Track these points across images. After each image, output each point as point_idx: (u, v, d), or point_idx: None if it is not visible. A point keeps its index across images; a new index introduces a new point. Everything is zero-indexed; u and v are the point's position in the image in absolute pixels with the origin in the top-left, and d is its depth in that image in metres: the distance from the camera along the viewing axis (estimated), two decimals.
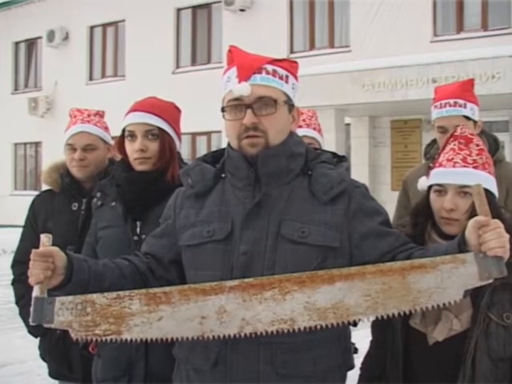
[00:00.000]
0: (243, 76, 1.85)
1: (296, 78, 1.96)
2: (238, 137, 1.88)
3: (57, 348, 2.95)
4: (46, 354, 3.06)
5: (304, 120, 3.20)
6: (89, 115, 3.00)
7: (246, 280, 1.71)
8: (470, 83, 3.10)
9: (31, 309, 1.72)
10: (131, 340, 1.73)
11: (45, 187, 3.16)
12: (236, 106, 1.87)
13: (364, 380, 2.25)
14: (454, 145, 2.06)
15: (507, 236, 1.64)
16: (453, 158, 2.03)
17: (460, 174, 2.00)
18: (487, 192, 1.92)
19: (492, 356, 1.96)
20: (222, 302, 1.69)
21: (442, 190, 2.04)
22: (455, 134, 2.08)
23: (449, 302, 1.65)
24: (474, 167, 2.00)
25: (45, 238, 1.78)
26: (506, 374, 1.99)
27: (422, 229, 2.09)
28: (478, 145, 2.05)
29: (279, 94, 1.89)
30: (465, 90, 3.02)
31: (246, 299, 1.68)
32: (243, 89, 1.84)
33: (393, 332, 2.12)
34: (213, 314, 1.70)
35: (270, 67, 1.89)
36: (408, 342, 2.11)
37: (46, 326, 1.73)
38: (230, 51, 1.97)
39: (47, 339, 3.01)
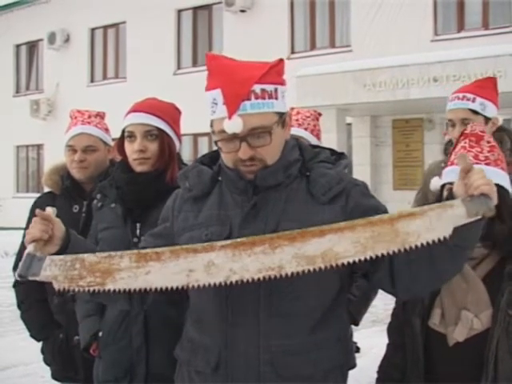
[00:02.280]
0: (232, 107, 1.74)
1: (283, 82, 1.85)
2: (234, 164, 1.84)
3: (61, 352, 2.96)
4: (50, 358, 3.07)
5: (297, 120, 3.14)
6: (89, 116, 3.00)
7: (239, 240, 1.71)
8: (490, 81, 3.07)
9: (20, 263, 1.73)
10: (114, 290, 1.73)
11: (46, 189, 3.16)
12: (229, 139, 1.79)
13: (382, 383, 2.24)
14: (465, 143, 2.03)
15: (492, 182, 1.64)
16: None
17: None
18: (501, 188, 1.91)
19: None
20: (212, 258, 1.70)
21: None
22: (465, 132, 2.06)
23: (438, 239, 1.64)
24: (487, 164, 1.97)
25: (50, 210, 1.83)
26: None
27: None
28: (489, 142, 2.02)
29: (271, 117, 1.79)
30: (480, 86, 2.99)
31: (235, 254, 1.69)
32: (235, 126, 1.74)
33: (412, 334, 2.11)
34: (201, 267, 1.70)
35: (258, 88, 1.76)
36: (428, 344, 2.09)
37: (30, 278, 1.73)
38: (208, 61, 1.85)
39: (50, 343, 3.02)
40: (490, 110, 2.94)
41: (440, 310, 2.06)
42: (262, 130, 1.78)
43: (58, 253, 1.78)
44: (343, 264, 1.67)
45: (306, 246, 1.67)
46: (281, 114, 1.83)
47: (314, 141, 3.10)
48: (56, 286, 1.74)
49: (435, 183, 2.17)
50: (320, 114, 3.34)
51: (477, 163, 1.97)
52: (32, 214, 3.08)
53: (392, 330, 2.26)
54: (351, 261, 1.66)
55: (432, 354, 2.09)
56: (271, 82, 1.80)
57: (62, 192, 3.03)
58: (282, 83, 1.85)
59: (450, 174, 2.04)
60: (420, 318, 2.09)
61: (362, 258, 1.66)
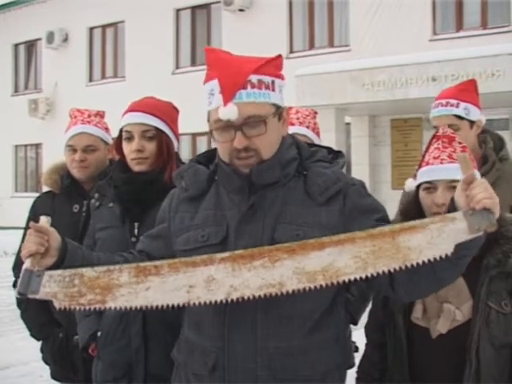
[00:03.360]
0: (228, 95, 1.76)
1: (282, 77, 1.86)
2: (230, 155, 1.83)
3: (60, 352, 2.96)
4: (49, 357, 3.06)
5: (298, 118, 3.16)
6: (89, 116, 2.99)
7: (237, 252, 1.70)
8: (471, 83, 3.09)
9: (19, 280, 1.71)
10: (115, 308, 1.72)
11: (45, 189, 3.16)
12: (224, 127, 1.79)
13: (362, 383, 2.28)
14: (438, 144, 2.12)
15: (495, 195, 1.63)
16: (439, 156, 2.09)
17: (448, 170, 2.05)
18: None
19: (495, 343, 2.02)
20: (211, 272, 1.68)
21: (431, 186, 2.10)
22: (437, 134, 2.14)
23: (440, 256, 1.63)
24: None
25: (44, 219, 1.80)
26: (507, 361, 2.05)
27: None
28: (460, 142, 2.10)
29: (267, 108, 1.80)
30: (462, 89, 3.01)
31: (235, 268, 1.67)
32: (230, 113, 1.75)
33: (395, 330, 2.15)
34: (201, 282, 1.68)
35: (254, 78, 1.78)
36: (410, 340, 2.14)
37: (30, 296, 1.71)
38: (207, 54, 1.87)
39: (50, 342, 3.02)
40: (474, 113, 2.96)
41: (422, 305, 2.12)
42: (257, 118, 1.78)
43: (56, 264, 1.76)
44: (344, 281, 1.66)
45: (305, 260, 1.66)
46: (278, 107, 1.83)
47: (316, 139, 3.13)
48: (56, 304, 1.72)
49: (410, 184, 2.23)
50: (316, 113, 3.36)
51: (451, 162, 2.05)
52: (31, 214, 3.11)
53: (370, 330, 2.31)
54: (352, 278, 1.65)
55: (414, 349, 2.14)
56: (268, 73, 1.81)
57: (62, 191, 3.02)
58: (280, 77, 1.85)
59: (425, 174, 2.12)
60: (402, 313, 2.15)
61: (363, 276, 1.65)
